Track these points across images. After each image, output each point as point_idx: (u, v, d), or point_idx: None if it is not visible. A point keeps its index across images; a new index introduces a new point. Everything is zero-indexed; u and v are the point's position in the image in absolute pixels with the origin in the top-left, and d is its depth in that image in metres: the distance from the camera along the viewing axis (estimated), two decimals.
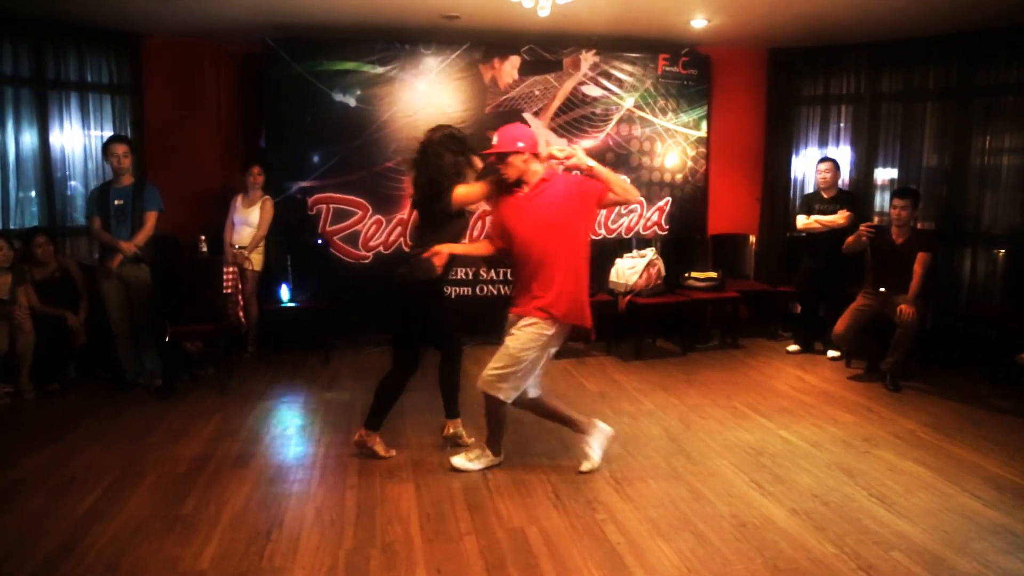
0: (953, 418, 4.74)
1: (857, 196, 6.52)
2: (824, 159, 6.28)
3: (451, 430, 4.14)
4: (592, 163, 3.64)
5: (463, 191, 3.76)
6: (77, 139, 6.16)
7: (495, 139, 3.64)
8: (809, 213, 6.21)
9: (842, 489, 3.66)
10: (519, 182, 3.64)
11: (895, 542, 3.13)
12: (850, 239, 5.64)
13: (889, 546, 3.10)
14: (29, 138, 5.88)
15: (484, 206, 5.39)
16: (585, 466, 3.82)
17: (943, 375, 5.70)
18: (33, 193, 5.98)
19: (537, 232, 3.57)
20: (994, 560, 2.99)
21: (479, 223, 6.40)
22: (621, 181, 3.79)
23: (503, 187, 3.68)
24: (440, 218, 3.79)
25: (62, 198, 6.11)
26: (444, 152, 3.73)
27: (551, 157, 3.71)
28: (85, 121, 6.16)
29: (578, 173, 3.71)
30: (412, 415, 4.63)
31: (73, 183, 6.21)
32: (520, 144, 3.57)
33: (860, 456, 4.09)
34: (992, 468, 3.93)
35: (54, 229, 5.81)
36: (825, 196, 6.17)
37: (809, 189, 7.14)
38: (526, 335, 3.57)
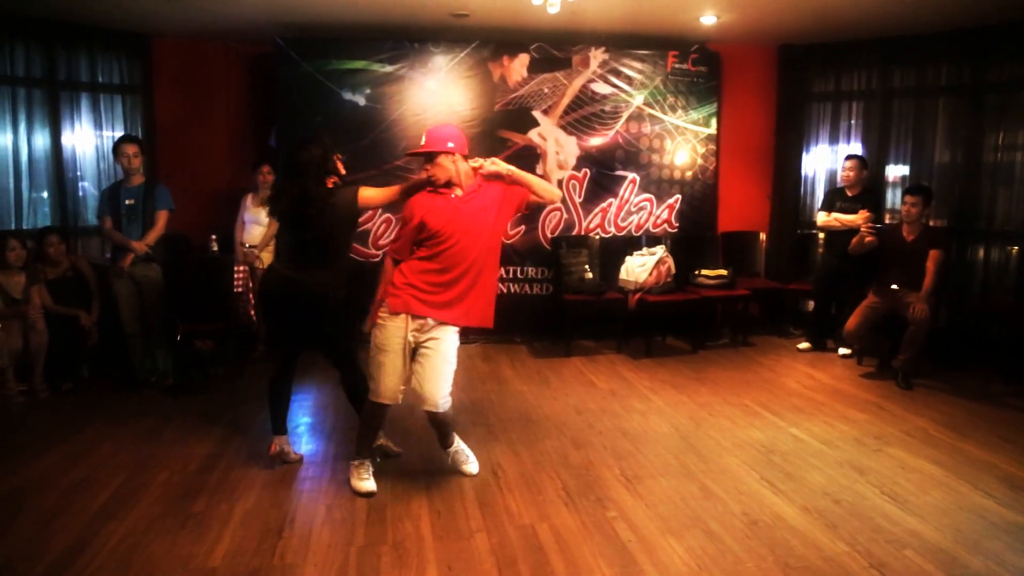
0: (966, 416, 4.72)
1: (880, 196, 6.47)
2: (850, 156, 6.21)
3: (384, 440, 4.05)
4: (510, 168, 3.55)
5: (371, 193, 3.65)
6: (88, 139, 6.21)
7: (424, 139, 3.50)
8: (830, 210, 6.16)
9: (854, 487, 3.64)
10: (448, 184, 3.50)
11: (907, 540, 3.11)
12: (854, 240, 5.61)
13: (901, 544, 3.08)
14: (41, 139, 5.94)
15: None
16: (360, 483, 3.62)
17: (955, 373, 5.66)
18: (45, 193, 6.03)
19: (472, 238, 3.45)
20: (1008, 559, 2.97)
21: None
22: (541, 182, 3.67)
23: (427, 189, 3.52)
24: (342, 226, 3.64)
25: (74, 198, 6.16)
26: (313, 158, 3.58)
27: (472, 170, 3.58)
28: (96, 121, 6.21)
29: (498, 179, 3.59)
30: (421, 414, 4.62)
31: (84, 183, 6.25)
32: (450, 144, 3.45)
33: (872, 454, 4.07)
34: (1005, 466, 3.90)
35: (66, 229, 5.85)
36: (849, 194, 6.11)
37: (820, 186, 7.13)
38: (454, 341, 3.54)
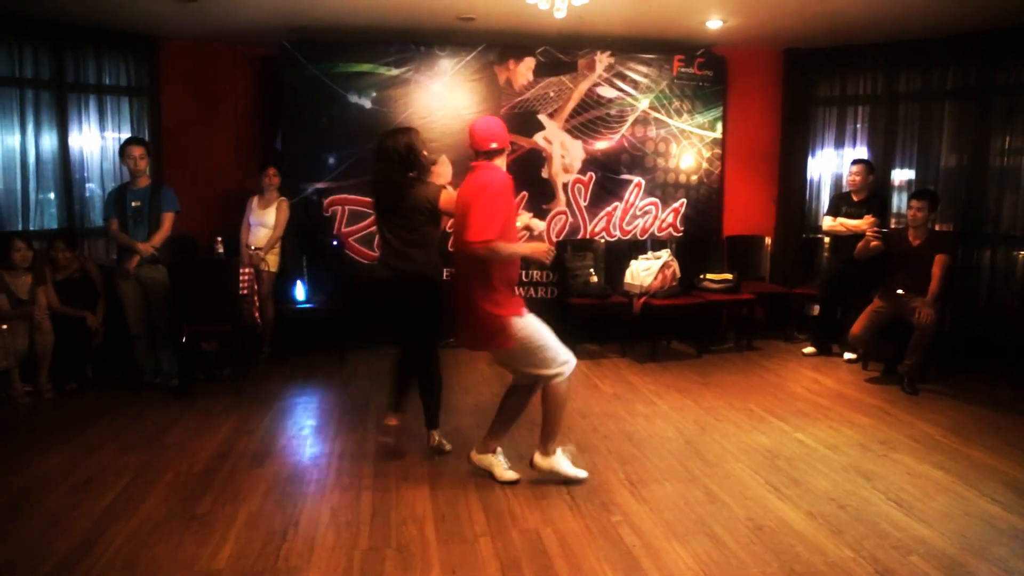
0: (972, 421, 4.70)
1: (886, 201, 6.44)
2: (856, 161, 6.18)
3: (440, 439, 4.12)
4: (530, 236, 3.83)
5: (449, 198, 3.81)
6: (95, 141, 6.22)
7: (490, 134, 3.53)
8: (836, 215, 6.14)
9: (859, 492, 3.63)
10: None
11: (913, 546, 3.10)
12: (860, 244, 5.59)
13: (907, 550, 3.07)
14: (48, 140, 5.95)
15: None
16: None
17: (961, 378, 5.64)
18: (52, 195, 6.04)
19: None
20: (1014, 565, 2.96)
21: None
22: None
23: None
24: (423, 217, 3.81)
25: (80, 200, 6.17)
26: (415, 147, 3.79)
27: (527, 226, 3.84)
28: (103, 123, 6.23)
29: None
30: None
31: (91, 185, 6.27)
32: (494, 145, 3.56)
33: (877, 459, 4.05)
34: (1012, 472, 3.88)
35: (73, 230, 5.86)
36: (855, 199, 6.09)
37: (826, 191, 7.12)
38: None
